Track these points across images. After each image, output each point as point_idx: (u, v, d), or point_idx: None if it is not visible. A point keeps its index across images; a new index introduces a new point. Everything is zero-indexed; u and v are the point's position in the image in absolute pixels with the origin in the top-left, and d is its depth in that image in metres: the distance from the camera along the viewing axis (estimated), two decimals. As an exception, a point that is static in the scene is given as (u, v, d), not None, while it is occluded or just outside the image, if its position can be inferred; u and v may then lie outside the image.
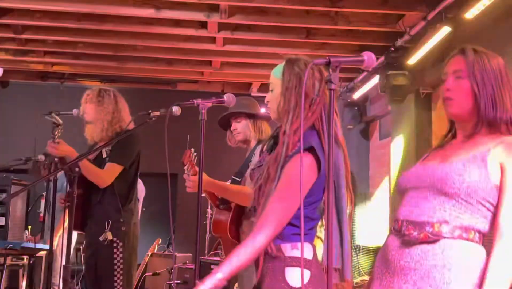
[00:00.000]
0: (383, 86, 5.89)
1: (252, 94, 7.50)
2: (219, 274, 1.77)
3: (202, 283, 1.75)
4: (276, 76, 2.04)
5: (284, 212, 1.85)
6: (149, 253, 6.34)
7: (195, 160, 2.77)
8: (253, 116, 3.26)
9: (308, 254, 1.88)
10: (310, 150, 1.87)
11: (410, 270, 1.71)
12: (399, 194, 1.88)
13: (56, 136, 3.29)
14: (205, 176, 2.72)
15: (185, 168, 2.79)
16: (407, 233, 1.73)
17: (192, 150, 2.78)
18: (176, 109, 2.41)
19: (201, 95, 8.32)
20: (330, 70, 1.57)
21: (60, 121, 3.36)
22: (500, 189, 1.68)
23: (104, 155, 3.53)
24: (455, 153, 1.80)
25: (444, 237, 1.68)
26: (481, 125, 1.77)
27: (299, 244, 1.86)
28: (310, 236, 1.94)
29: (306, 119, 1.91)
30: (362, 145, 7.89)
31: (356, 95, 7.14)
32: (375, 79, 6.28)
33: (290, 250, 1.88)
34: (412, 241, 1.72)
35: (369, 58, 1.63)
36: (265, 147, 2.14)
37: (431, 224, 1.70)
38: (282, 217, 1.85)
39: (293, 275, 1.85)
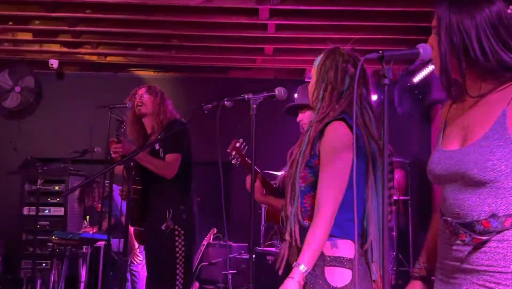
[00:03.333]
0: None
1: (306, 80, 7.54)
2: (302, 266, 1.83)
3: (291, 278, 1.82)
4: (314, 65, 2.17)
5: (335, 192, 1.92)
6: (205, 243, 6.53)
7: (245, 150, 2.87)
8: None
9: (348, 252, 1.89)
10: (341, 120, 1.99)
11: (477, 272, 1.62)
12: (435, 183, 1.77)
13: (120, 133, 3.47)
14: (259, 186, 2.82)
15: (231, 158, 2.88)
16: (460, 237, 1.65)
17: (241, 140, 2.88)
18: (228, 103, 2.52)
19: (254, 82, 8.34)
20: (384, 64, 1.55)
21: (124, 119, 3.53)
22: None
23: (157, 147, 3.70)
24: (472, 124, 1.66)
25: (497, 232, 1.59)
26: (480, 80, 1.65)
27: (339, 242, 1.90)
28: (349, 230, 1.90)
29: (332, 110, 2.02)
30: (424, 131, 7.80)
31: (417, 78, 7.05)
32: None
33: (330, 248, 1.90)
34: (468, 243, 1.64)
35: (424, 51, 1.59)
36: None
37: (480, 222, 1.62)
38: (335, 198, 1.91)
39: (334, 276, 1.86)
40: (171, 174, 3.60)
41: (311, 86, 2.17)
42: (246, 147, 2.91)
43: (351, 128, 1.94)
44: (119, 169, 3.74)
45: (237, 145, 2.94)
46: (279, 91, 2.49)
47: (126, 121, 3.85)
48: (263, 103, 2.42)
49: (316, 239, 1.88)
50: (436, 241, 1.77)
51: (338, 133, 1.96)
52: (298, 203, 2.00)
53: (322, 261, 1.90)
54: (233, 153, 2.98)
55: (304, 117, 3.19)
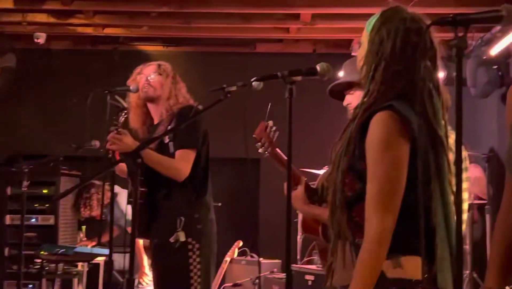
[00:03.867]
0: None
1: (354, 54, 7.49)
2: None
3: None
4: (366, 29, 2.09)
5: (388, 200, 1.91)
6: (228, 259, 6.55)
7: (275, 136, 2.83)
8: None
9: (418, 272, 1.86)
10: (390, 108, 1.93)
11: None
12: None
13: (120, 124, 3.49)
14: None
15: (259, 144, 2.84)
16: None
17: (270, 122, 2.84)
18: (257, 84, 2.49)
19: (287, 57, 8.34)
20: (456, 31, 1.54)
21: (125, 104, 3.55)
22: None
23: (167, 140, 3.70)
24: None
25: None
26: None
27: (403, 259, 1.88)
28: (415, 244, 1.85)
29: (383, 96, 1.97)
30: (503, 117, 7.68)
31: (495, 50, 6.94)
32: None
33: (392, 268, 1.89)
34: None
35: (509, 13, 1.56)
36: None
37: None
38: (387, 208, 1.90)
39: None
40: (182, 174, 3.61)
41: (359, 59, 2.10)
42: (277, 133, 2.88)
43: (404, 118, 1.90)
44: (121, 168, 3.77)
45: (266, 129, 2.91)
46: (322, 67, 2.46)
47: (128, 108, 3.88)
48: (301, 83, 2.40)
49: (367, 266, 1.86)
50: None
51: (385, 128, 1.91)
52: (344, 217, 1.99)
53: (383, 284, 1.87)
54: (262, 139, 2.97)
55: (353, 100, 3.09)
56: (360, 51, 2.12)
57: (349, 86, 3.10)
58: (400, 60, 1.99)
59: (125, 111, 3.74)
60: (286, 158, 2.57)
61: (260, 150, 2.81)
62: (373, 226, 1.87)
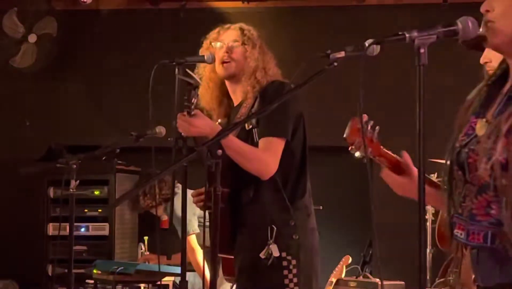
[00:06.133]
0: None
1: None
2: None
3: None
4: None
5: None
6: (333, 280, 6.56)
7: (375, 132, 2.72)
8: None
9: None
10: None
11: None
12: None
13: (193, 104, 3.52)
14: None
15: (352, 148, 2.74)
16: None
17: (364, 117, 2.75)
18: (373, 49, 2.43)
19: (407, 10, 8.17)
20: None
21: (199, 80, 3.58)
22: None
23: (249, 126, 3.73)
24: None
25: None
26: None
27: None
28: None
29: None
30: None
31: None
32: None
33: None
34: None
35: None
36: None
37: None
38: None
39: None
40: (269, 169, 3.62)
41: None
42: (377, 127, 2.79)
43: None
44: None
45: (357, 124, 2.83)
46: (464, 22, 2.36)
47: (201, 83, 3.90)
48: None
49: None
50: None
51: None
52: None
53: None
54: (356, 141, 2.90)
55: (495, 58, 3.06)
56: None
57: None
58: None
59: (198, 89, 3.73)
60: (397, 156, 2.56)
61: (357, 155, 2.74)
62: None
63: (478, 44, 3.06)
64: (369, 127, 2.60)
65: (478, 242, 2.15)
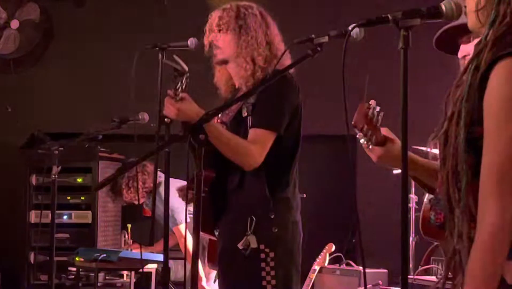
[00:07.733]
0: None
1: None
2: None
3: None
4: None
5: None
6: (317, 268, 6.57)
7: (379, 119, 2.74)
8: None
9: None
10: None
11: None
12: None
13: (179, 90, 3.48)
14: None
15: (360, 135, 2.75)
16: None
17: (373, 102, 2.75)
18: (357, 33, 2.42)
19: None
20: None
21: (186, 67, 3.56)
22: None
23: (245, 113, 3.70)
24: None
25: None
26: None
27: None
28: None
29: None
30: None
31: None
32: None
33: None
34: None
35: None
36: None
37: None
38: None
39: None
40: (252, 162, 3.58)
41: None
42: (382, 113, 2.81)
43: None
44: None
45: (368, 111, 2.83)
46: (449, 5, 2.35)
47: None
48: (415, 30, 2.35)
49: (480, 268, 1.86)
50: None
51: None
52: (465, 204, 1.97)
53: None
54: (363, 127, 2.90)
55: (472, 51, 3.05)
56: None
57: (464, 31, 3.03)
58: None
59: (186, 76, 3.66)
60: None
61: (362, 141, 2.74)
62: (489, 213, 1.86)
63: (451, 42, 3.09)
64: (374, 113, 2.61)
65: None
